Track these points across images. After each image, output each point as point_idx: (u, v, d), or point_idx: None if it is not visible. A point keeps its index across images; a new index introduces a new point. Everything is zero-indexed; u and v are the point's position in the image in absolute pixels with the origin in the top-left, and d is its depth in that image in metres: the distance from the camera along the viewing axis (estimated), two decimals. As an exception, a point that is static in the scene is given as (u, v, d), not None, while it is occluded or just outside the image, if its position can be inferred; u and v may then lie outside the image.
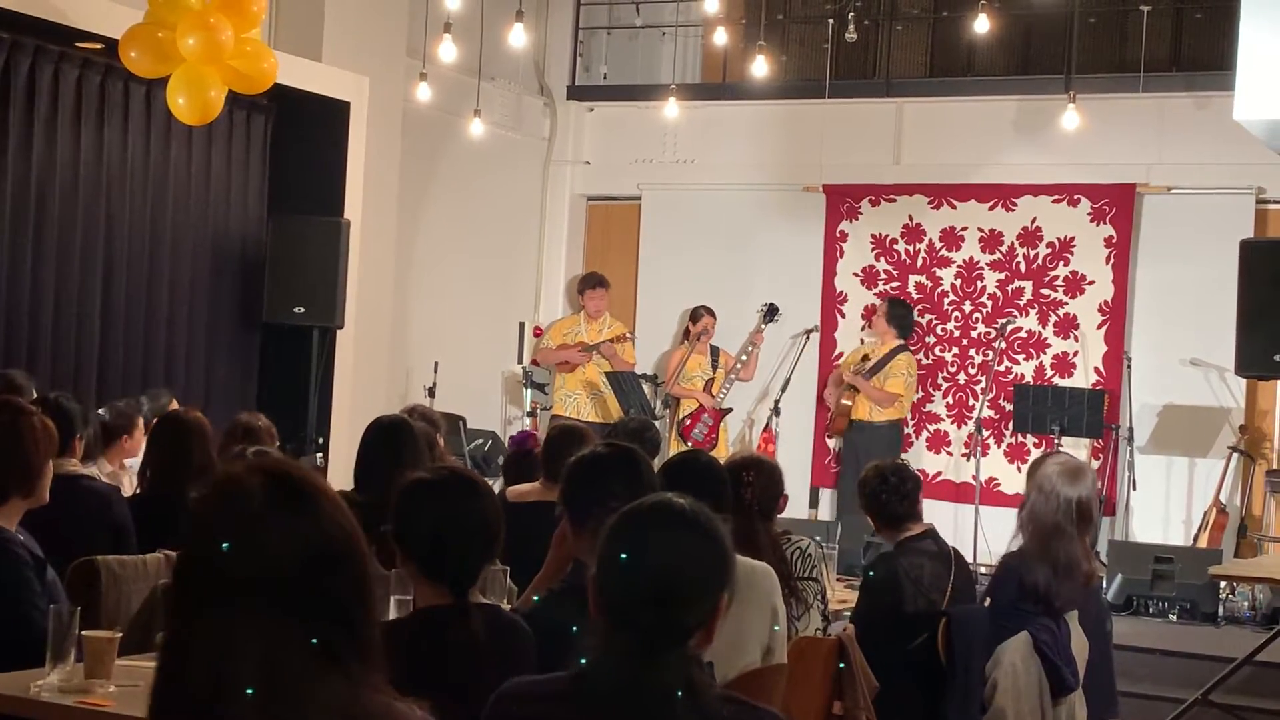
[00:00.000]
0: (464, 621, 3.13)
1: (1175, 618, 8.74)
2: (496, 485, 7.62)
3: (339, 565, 1.79)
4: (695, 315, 11.22)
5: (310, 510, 1.80)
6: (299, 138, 9.58)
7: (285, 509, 1.79)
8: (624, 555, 2.33)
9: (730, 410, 11.08)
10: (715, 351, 11.19)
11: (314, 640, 1.74)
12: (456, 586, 3.18)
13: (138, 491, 5.64)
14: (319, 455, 9.13)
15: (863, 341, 11.08)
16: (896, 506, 5.42)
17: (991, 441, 10.80)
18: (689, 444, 10.67)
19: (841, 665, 4.38)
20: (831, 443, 11.17)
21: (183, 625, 1.77)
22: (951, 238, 11.13)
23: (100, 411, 6.56)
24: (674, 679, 2.28)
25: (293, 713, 1.70)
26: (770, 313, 11.14)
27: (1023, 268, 10.93)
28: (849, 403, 10.66)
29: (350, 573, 1.81)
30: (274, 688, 1.71)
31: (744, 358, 11.14)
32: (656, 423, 9.59)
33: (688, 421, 11.12)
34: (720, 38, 10.75)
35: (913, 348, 10.86)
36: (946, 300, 11.12)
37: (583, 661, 2.34)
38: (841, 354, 11.20)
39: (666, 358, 11.54)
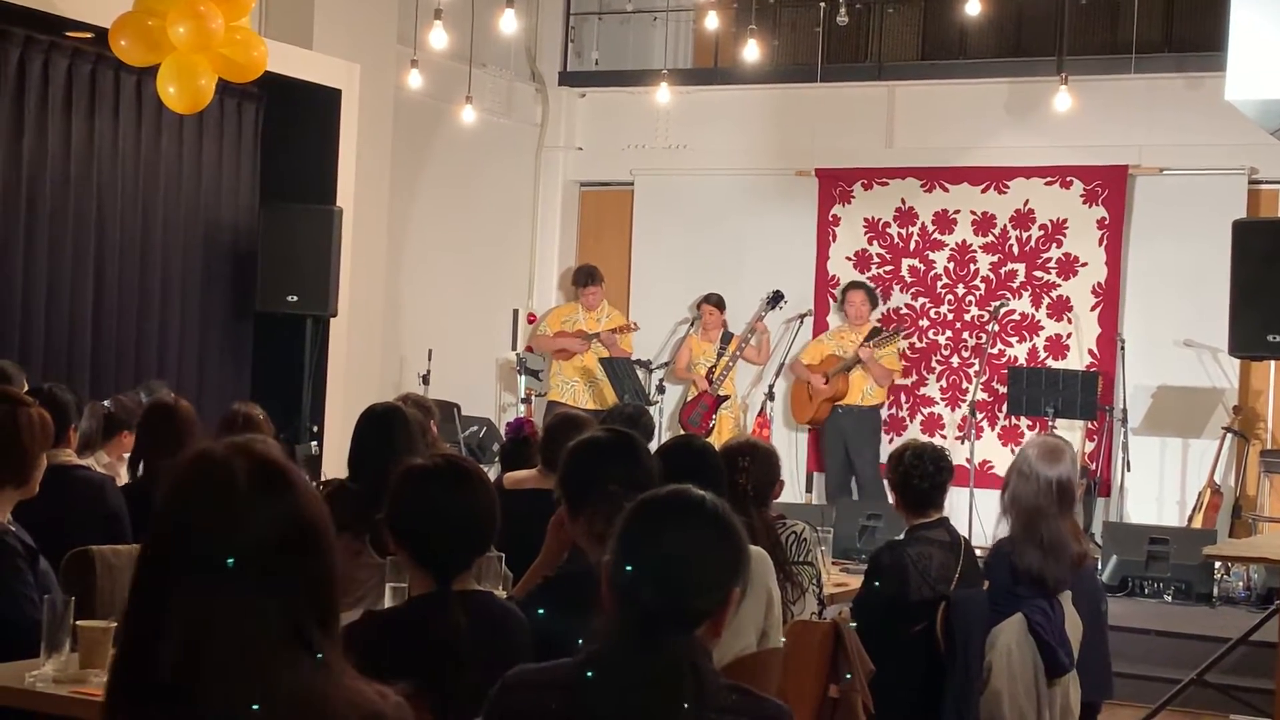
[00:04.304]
0: (445, 610, 3.13)
1: (1170, 598, 8.76)
2: (493, 472, 7.62)
3: (311, 549, 1.81)
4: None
5: (288, 493, 1.82)
6: (290, 126, 9.57)
7: (266, 490, 1.80)
8: (639, 544, 2.35)
9: (727, 398, 11.08)
10: (728, 338, 11.21)
11: (284, 623, 1.74)
12: (442, 574, 3.18)
13: (128, 481, 5.63)
14: (314, 444, 9.13)
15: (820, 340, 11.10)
16: (925, 491, 5.29)
17: (985, 424, 10.82)
18: (683, 430, 10.70)
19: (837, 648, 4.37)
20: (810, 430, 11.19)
21: (152, 602, 1.77)
22: (944, 221, 11.13)
23: (105, 403, 6.56)
24: (679, 664, 2.29)
25: (261, 693, 1.71)
26: (774, 300, 11.15)
27: (1015, 250, 10.94)
28: (843, 387, 10.69)
29: (321, 557, 1.82)
30: (243, 667, 1.71)
31: (744, 345, 11.15)
32: (651, 409, 9.60)
33: (684, 409, 11.18)
34: (711, 22, 10.72)
35: (902, 332, 10.94)
36: (939, 283, 11.13)
37: (588, 647, 2.34)
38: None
39: (676, 345, 11.58)
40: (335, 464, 8.39)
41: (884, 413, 11.02)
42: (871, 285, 11.06)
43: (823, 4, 11.20)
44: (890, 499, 5.39)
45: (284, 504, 1.81)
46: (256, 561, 1.76)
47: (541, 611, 3.36)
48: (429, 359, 10.41)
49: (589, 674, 2.31)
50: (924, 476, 5.21)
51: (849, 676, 4.32)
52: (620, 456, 3.59)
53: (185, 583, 1.75)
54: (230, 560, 1.75)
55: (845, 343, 10.87)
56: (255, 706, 1.70)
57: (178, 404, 5.61)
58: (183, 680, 1.71)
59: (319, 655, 1.77)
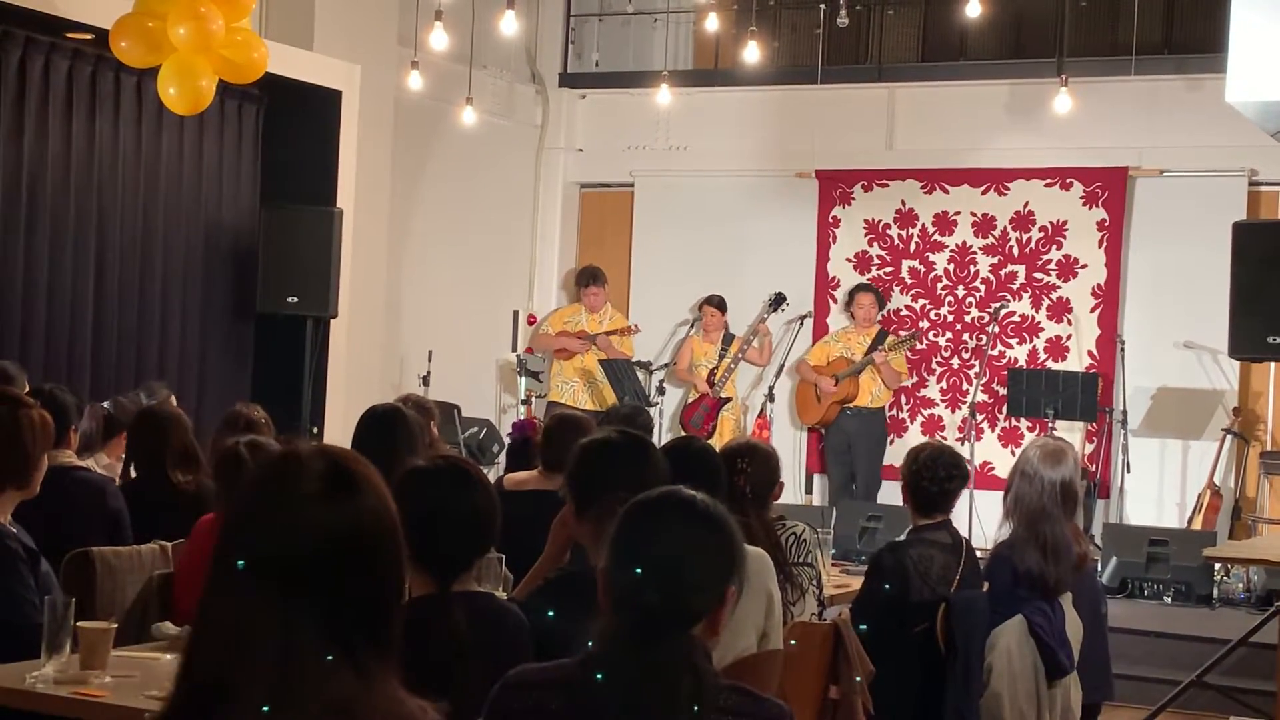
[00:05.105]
0: (445, 612, 3.13)
1: (1170, 600, 8.76)
2: (493, 473, 7.61)
3: (369, 559, 1.79)
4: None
5: (355, 501, 1.79)
6: (290, 127, 9.57)
7: (331, 496, 1.78)
8: (634, 544, 2.37)
9: (729, 400, 11.08)
10: (729, 339, 11.21)
11: (332, 627, 1.74)
12: (443, 575, 3.18)
13: (121, 482, 5.66)
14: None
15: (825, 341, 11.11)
16: (933, 495, 5.27)
17: (985, 426, 10.82)
18: (684, 432, 10.71)
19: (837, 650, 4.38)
20: (810, 432, 11.20)
21: (210, 598, 1.77)
22: (944, 222, 11.13)
23: (104, 404, 6.57)
24: (677, 664, 2.30)
25: (298, 699, 1.70)
26: (776, 302, 11.16)
27: (1015, 252, 10.94)
28: (853, 390, 10.71)
29: (379, 568, 1.80)
30: (284, 672, 1.71)
31: (746, 347, 11.15)
32: (651, 410, 9.60)
33: (686, 410, 11.19)
34: (712, 23, 10.72)
35: (903, 332, 10.97)
36: (940, 285, 11.13)
37: (587, 647, 2.35)
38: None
39: (677, 346, 11.57)
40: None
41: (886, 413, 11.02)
42: (878, 289, 11.04)
43: (823, 5, 11.21)
44: (899, 498, 5.38)
45: (348, 511, 1.78)
46: (308, 566, 1.74)
47: (532, 615, 3.35)
48: (429, 360, 10.41)
49: (589, 674, 2.32)
50: (934, 480, 5.20)
51: (836, 685, 4.32)
52: (632, 459, 3.58)
53: (236, 580, 1.75)
54: (285, 559, 1.74)
55: (852, 344, 10.86)
56: (285, 712, 1.69)
57: (165, 407, 5.67)
58: (219, 679, 1.71)
59: (363, 666, 1.76)
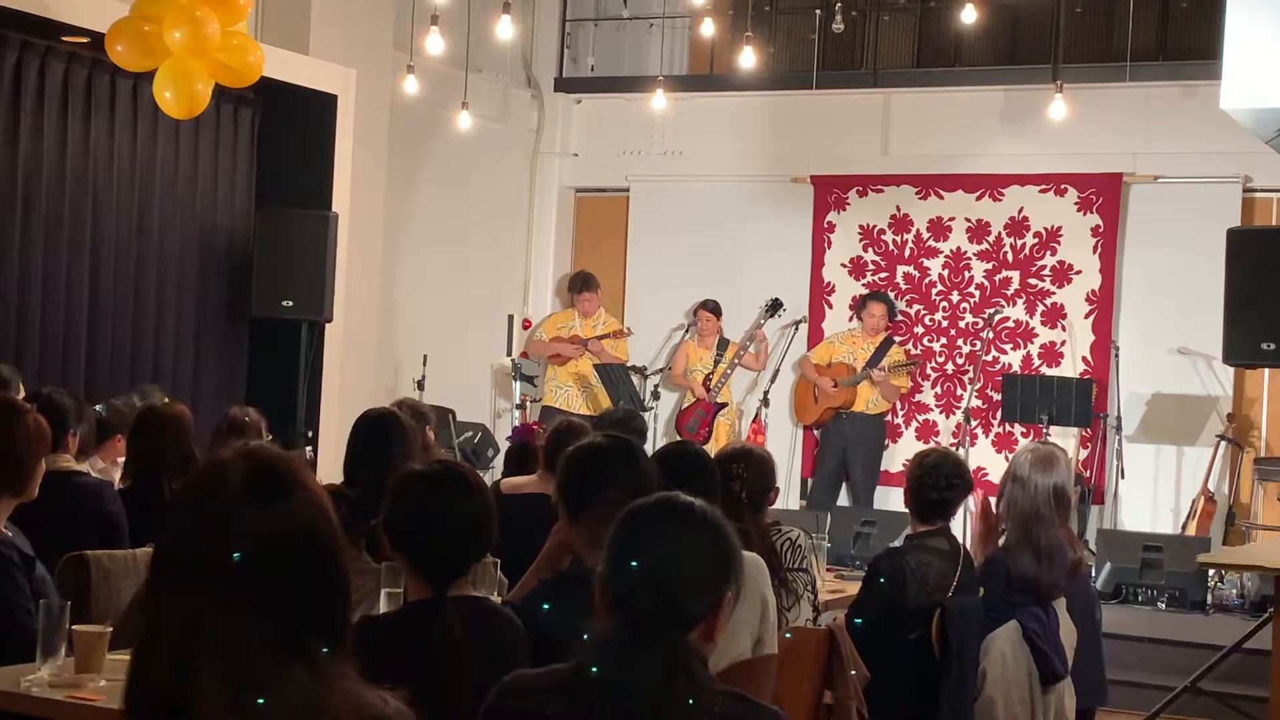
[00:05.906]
0: (442, 616, 3.13)
1: (1164, 606, 8.77)
2: (489, 478, 7.61)
3: (308, 557, 1.79)
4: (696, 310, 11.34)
5: (284, 501, 1.79)
6: (286, 131, 9.57)
7: (258, 498, 1.78)
8: (630, 548, 2.37)
9: (725, 405, 11.08)
10: (724, 344, 11.21)
11: (280, 629, 1.74)
12: (438, 580, 3.18)
13: (120, 486, 5.65)
14: (308, 449, 9.12)
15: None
16: (934, 502, 5.27)
17: (980, 431, 10.82)
18: (680, 436, 10.71)
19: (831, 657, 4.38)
20: (815, 432, 11.21)
21: (154, 609, 1.77)
22: (939, 228, 11.14)
23: (98, 408, 6.56)
24: (673, 668, 2.30)
25: (257, 701, 1.71)
26: (773, 307, 11.17)
27: (1010, 257, 10.95)
28: (850, 396, 10.71)
29: (320, 565, 1.80)
30: (238, 675, 1.71)
31: (743, 352, 11.15)
32: (645, 414, 9.60)
33: (681, 415, 11.19)
34: (707, 29, 10.75)
35: (899, 337, 10.97)
36: (934, 290, 11.14)
37: (583, 652, 2.36)
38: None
39: (672, 350, 11.56)
40: (330, 469, 8.39)
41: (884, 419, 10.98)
42: (892, 297, 11.03)
43: (818, 11, 11.22)
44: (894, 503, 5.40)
45: (278, 512, 1.78)
46: (247, 568, 1.74)
47: (527, 617, 3.36)
48: (424, 364, 10.41)
49: (585, 678, 2.32)
50: (935, 487, 5.20)
51: (831, 690, 4.33)
52: (621, 463, 3.59)
53: (178, 588, 1.75)
54: (216, 566, 1.74)
55: (856, 350, 10.84)
56: (246, 717, 1.70)
57: (168, 409, 5.64)
58: (174, 687, 1.71)
59: (317, 662, 1.76)
